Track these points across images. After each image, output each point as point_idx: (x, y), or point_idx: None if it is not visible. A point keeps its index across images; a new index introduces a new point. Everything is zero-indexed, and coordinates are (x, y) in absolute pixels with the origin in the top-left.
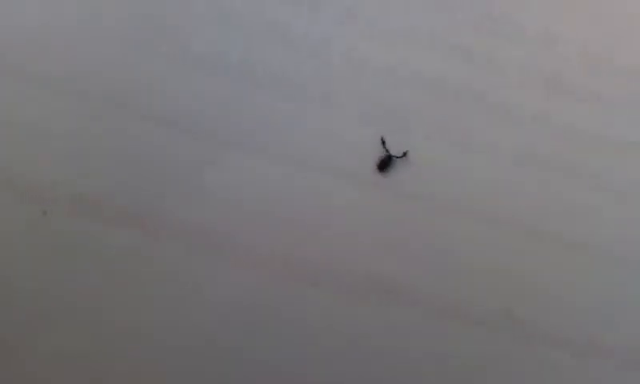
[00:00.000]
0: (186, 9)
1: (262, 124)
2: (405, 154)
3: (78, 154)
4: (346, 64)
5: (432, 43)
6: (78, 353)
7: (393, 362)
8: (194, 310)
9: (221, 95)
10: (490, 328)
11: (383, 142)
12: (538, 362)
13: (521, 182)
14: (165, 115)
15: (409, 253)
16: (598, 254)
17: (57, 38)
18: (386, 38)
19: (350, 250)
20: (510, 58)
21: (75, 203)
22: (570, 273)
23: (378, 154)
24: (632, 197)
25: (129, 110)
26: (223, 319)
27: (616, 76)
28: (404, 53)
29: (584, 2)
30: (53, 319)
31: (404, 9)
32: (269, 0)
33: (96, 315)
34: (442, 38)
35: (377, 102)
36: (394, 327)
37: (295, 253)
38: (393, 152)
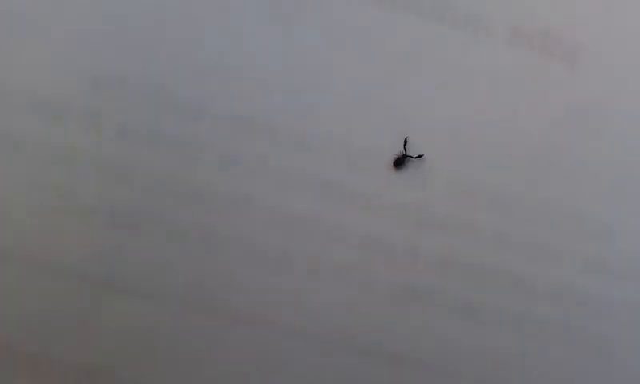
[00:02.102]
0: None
1: (149, 270)
2: (420, 156)
3: None
4: (230, 206)
5: (307, 182)
6: None
7: None
8: None
9: (113, 245)
10: None
11: (405, 142)
12: None
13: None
14: (56, 264)
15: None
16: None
17: None
18: (276, 181)
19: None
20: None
21: None
22: None
23: (260, 291)
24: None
25: (23, 262)
26: None
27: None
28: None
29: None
30: None
31: (295, 149)
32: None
33: None
34: (316, 177)
35: (260, 245)
36: None
37: None
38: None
